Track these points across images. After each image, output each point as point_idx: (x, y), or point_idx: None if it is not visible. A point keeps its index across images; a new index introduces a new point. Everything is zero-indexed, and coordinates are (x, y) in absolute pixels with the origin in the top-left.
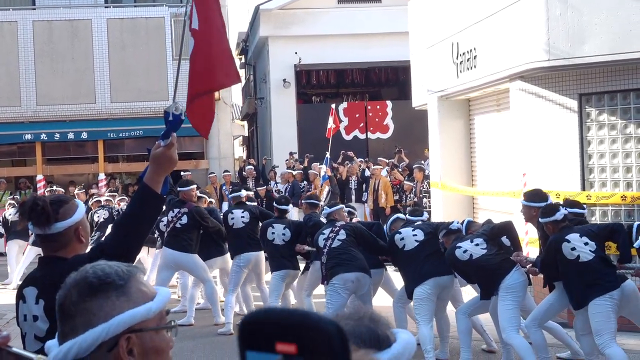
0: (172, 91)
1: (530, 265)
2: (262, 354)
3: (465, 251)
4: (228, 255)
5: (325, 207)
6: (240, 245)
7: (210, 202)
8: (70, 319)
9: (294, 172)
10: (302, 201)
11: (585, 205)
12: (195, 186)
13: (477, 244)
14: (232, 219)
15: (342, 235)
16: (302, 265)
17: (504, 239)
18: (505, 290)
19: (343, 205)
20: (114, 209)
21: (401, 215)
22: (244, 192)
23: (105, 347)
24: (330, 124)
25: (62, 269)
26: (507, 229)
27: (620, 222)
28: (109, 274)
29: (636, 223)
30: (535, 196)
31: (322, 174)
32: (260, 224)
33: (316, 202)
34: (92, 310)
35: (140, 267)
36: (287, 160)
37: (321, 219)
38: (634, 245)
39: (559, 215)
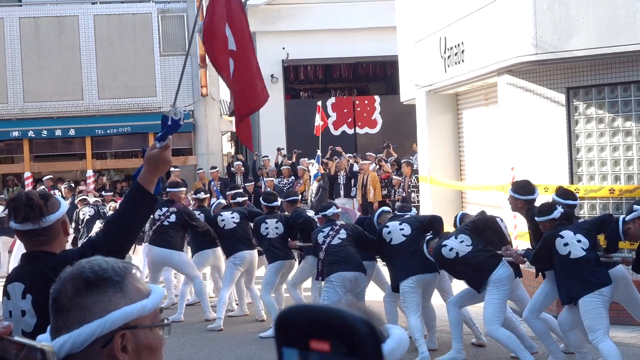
0: (160, 87)
1: (521, 257)
2: (297, 351)
3: (451, 249)
4: (219, 250)
5: (333, 206)
6: (233, 245)
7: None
8: (64, 314)
9: (282, 168)
10: (282, 200)
11: (577, 197)
12: (184, 189)
13: (462, 241)
14: (223, 220)
15: (343, 234)
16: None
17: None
18: (493, 284)
19: (334, 209)
20: (100, 208)
21: (387, 209)
22: (222, 201)
23: (99, 343)
24: (318, 121)
25: (52, 263)
26: (490, 223)
27: (610, 213)
28: (105, 270)
29: (622, 217)
30: (522, 188)
31: (315, 172)
32: (251, 223)
33: (295, 197)
34: (88, 305)
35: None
36: (264, 157)
37: (307, 212)
38: (622, 222)
39: (556, 214)
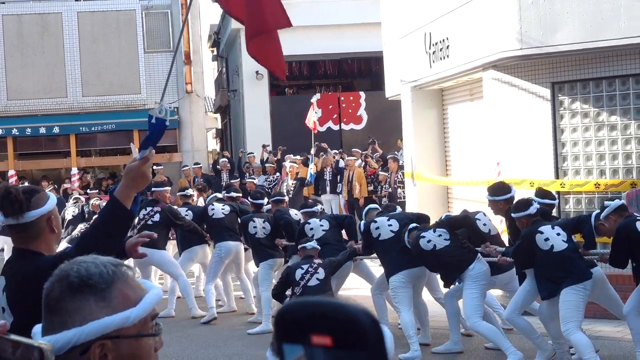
0: (144, 84)
1: (501, 255)
2: (298, 347)
3: (429, 241)
4: (207, 247)
5: (302, 244)
6: (220, 234)
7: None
8: (49, 315)
9: (266, 165)
10: (269, 200)
11: (556, 196)
12: (169, 188)
13: (440, 235)
14: (213, 209)
15: (321, 274)
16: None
17: (483, 226)
18: (471, 280)
19: (314, 243)
20: (85, 207)
21: (374, 205)
22: (219, 194)
23: (77, 351)
24: (313, 116)
25: (30, 267)
26: (466, 221)
27: (586, 214)
28: (91, 275)
29: (594, 213)
30: (498, 190)
31: (311, 172)
32: (239, 219)
33: (280, 198)
34: (69, 311)
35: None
36: (249, 154)
37: (291, 211)
38: (601, 218)
39: (532, 210)
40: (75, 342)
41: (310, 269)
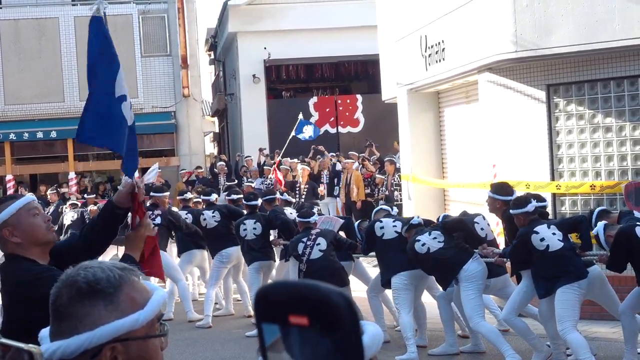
0: (141, 88)
1: (498, 256)
2: (276, 326)
3: (423, 244)
4: (205, 251)
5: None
6: (217, 243)
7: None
8: (58, 320)
9: (265, 167)
10: (261, 199)
11: (545, 198)
12: (167, 193)
13: (434, 237)
14: (205, 220)
15: (323, 244)
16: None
17: (480, 230)
18: (466, 280)
19: (316, 217)
20: (84, 212)
21: (386, 207)
22: (213, 196)
23: (89, 354)
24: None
25: (18, 273)
26: (460, 225)
27: (582, 215)
28: (99, 280)
29: (597, 209)
30: (501, 189)
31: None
32: (233, 221)
33: (272, 196)
34: (79, 316)
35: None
36: (246, 158)
37: (286, 210)
38: (593, 231)
39: (530, 207)
40: (87, 346)
41: (309, 242)
